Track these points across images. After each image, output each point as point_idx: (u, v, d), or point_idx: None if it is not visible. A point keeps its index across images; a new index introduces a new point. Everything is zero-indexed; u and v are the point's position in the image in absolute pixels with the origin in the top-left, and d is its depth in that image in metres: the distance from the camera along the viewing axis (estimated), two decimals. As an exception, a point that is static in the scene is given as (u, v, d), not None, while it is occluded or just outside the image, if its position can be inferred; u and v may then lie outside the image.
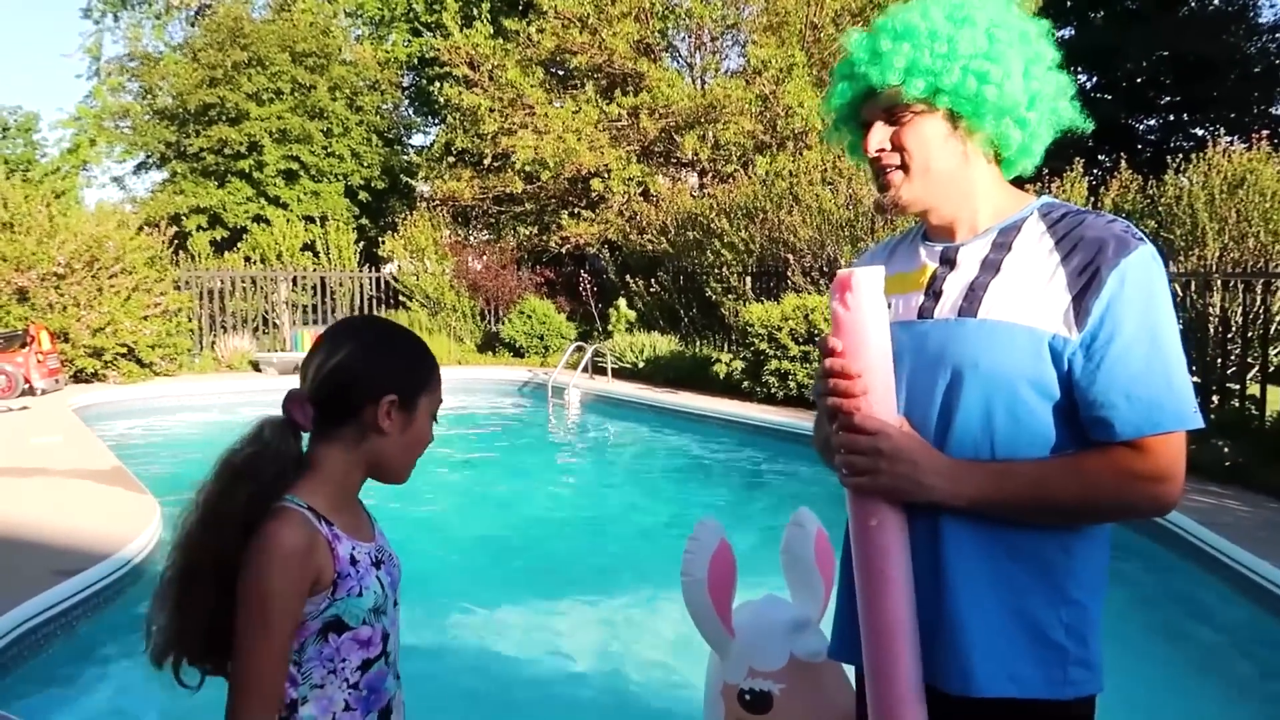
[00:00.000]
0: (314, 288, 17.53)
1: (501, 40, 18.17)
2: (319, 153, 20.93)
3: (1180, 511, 5.29)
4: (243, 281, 16.93)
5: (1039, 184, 10.62)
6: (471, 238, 20.46)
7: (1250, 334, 8.30)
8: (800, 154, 15.03)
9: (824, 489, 6.96)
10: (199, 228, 20.31)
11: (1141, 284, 1.32)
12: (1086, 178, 11.27)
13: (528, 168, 17.27)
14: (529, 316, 16.04)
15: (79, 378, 12.84)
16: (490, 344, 16.95)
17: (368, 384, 1.46)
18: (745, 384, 11.01)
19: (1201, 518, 5.35)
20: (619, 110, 16.99)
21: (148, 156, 23.94)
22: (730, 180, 15.66)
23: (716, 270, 13.88)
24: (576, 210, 17.98)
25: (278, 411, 1.46)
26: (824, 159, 13.60)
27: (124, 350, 13.11)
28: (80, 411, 10.60)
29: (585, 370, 13.26)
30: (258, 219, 20.10)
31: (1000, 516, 1.36)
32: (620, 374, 13.51)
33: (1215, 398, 8.19)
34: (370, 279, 18.13)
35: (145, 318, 13.37)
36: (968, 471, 1.35)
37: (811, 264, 12.37)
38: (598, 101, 17.30)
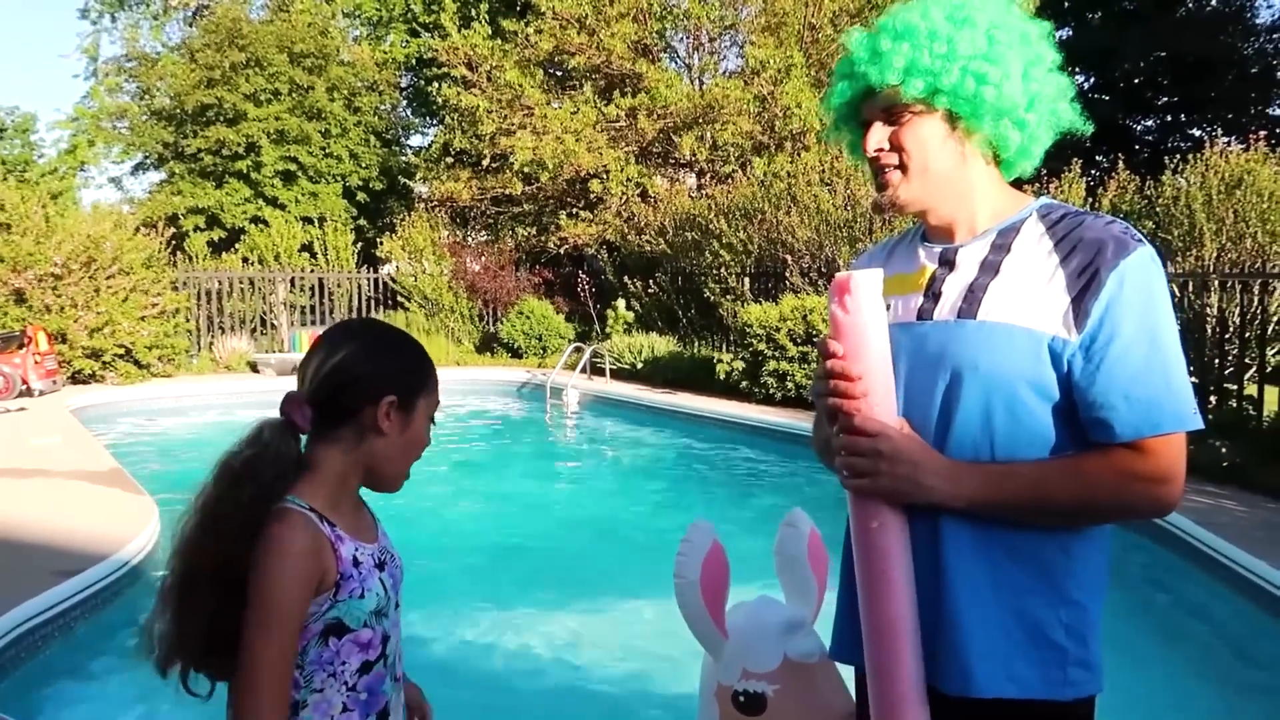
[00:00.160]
0: (312, 289, 17.53)
1: (500, 41, 18.17)
2: (317, 153, 20.93)
3: (1178, 512, 5.29)
4: (240, 282, 16.92)
5: (1037, 185, 10.63)
6: (470, 238, 20.46)
7: (1248, 334, 8.31)
8: (798, 155, 15.04)
9: (820, 490, 6.97)
10: (196, 228, 20.30)
11: (1140, 285, 1.33)
12: (1084, 178, 11.28)
13: (526, 169, 17.27)
14: (527, 317, 16.04)
15: (76, 379, 12.83)
16: (488, 345, 16.95)
17: (367, 385, 1.46)
18: (743, 385, 11.01)
19: (1199, 518, 5.35)
20: (617, 111, 16.99)
21: (145, 157, 23.95)
22: (728, 181, 15.66)
23: (715, 271, 13.88)
24: (575, 211, 17.98)
25: (276, 413, 1.46)
26: (822, 160, 13.60)
27: (121, 351, 13.10)
28: (78, 413, 10.59)
29: (583, 371, 13.26)
30: (255, 220, 20.10)
31: (1000, 517, 1.36)
32: (618, 374, 13.52)
33: (1213, 398, 8.20)
34: (368, 280, 18.12)
35: (143, 319, 13.36)
36: (968, 473, 1.35)
37: (810, 265, 12.37)
38: (596, 102, 17.31)
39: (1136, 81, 22.43)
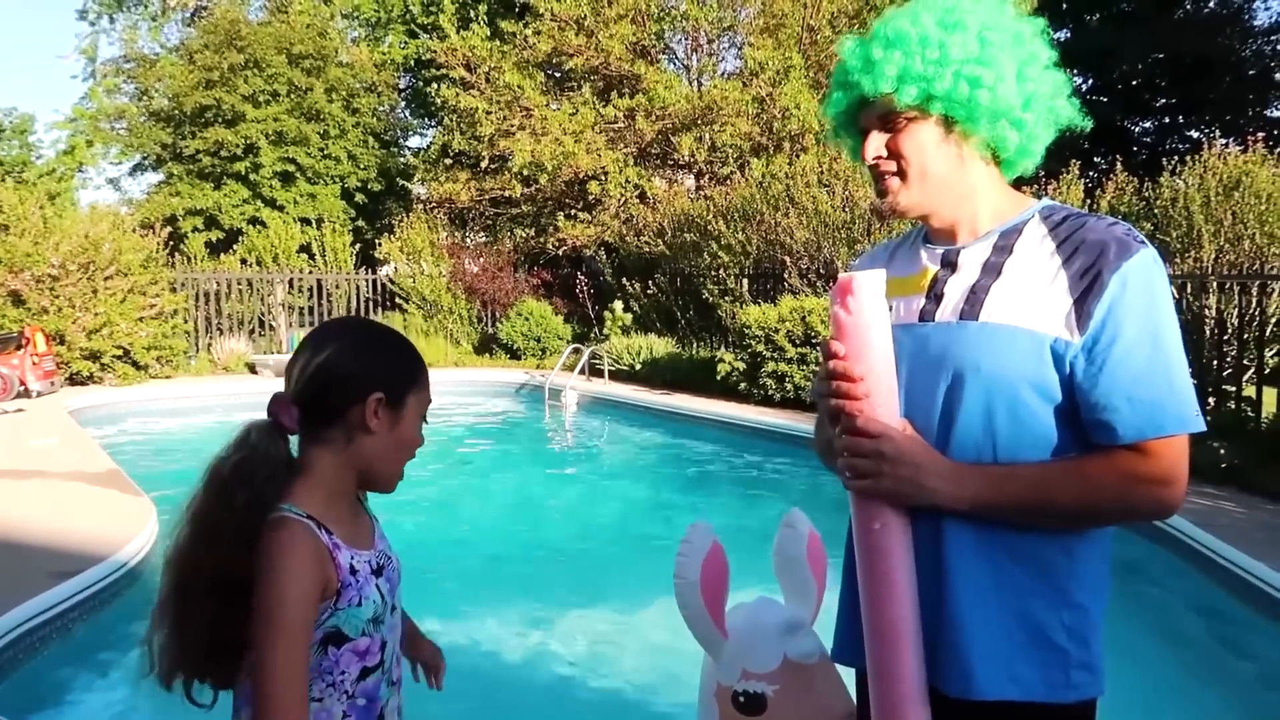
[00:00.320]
0: (310, 290, 17.52)
1: (498, 42, 18.18)
2: (315, 155, 20.93)
3: (1176, 513, 5.29)
4: (239, 283, 16.91)
5: (1035, 186, 10.65)
6: (468, 240, 20.46)
7: (1246, 336, 8.32)
8: (797, 156, 15.06)
9: (819, 491, 6.98)
10: (195, 229, 20.29)
11: (1143, 287, 1.32)
12: (1082, 180, 11.30)
13: (525, 170, 17.27)
14: (526, 318, 16.03)
15: (74, 380, 12.81)
16: (487, 346, 16.95)
17: (353, 383, 1.44)
18: (742, 386, 11.01)
19: (1197, 519, 5.35)
20: (615, 112, 17.00)
21: (143, 158, 23.94)
22: (727, 182, 15.67)
23: (713, 272, 13.88)
24: (573, 212, 17.99)
25: (265, 415, 1.44)
26: (820, 161, 13.61)
27: (120, 352, 13.08)
28: (76, 414, 10.58)
29: (582, 372, 13.26)
30: (254, 221, 20.09)
31: (1002, 519, 1.36)
32: (617, 376, 13.52)
33: (1211, 400, 8.21)
34: (367, 281, 18.11)
35: (141, 320, 13.34)
36: (970, 474, 1.35)
37: (808, 266, 12.38)
38: (594, 104, 17.31)
39: (1134, 83, 22.46)
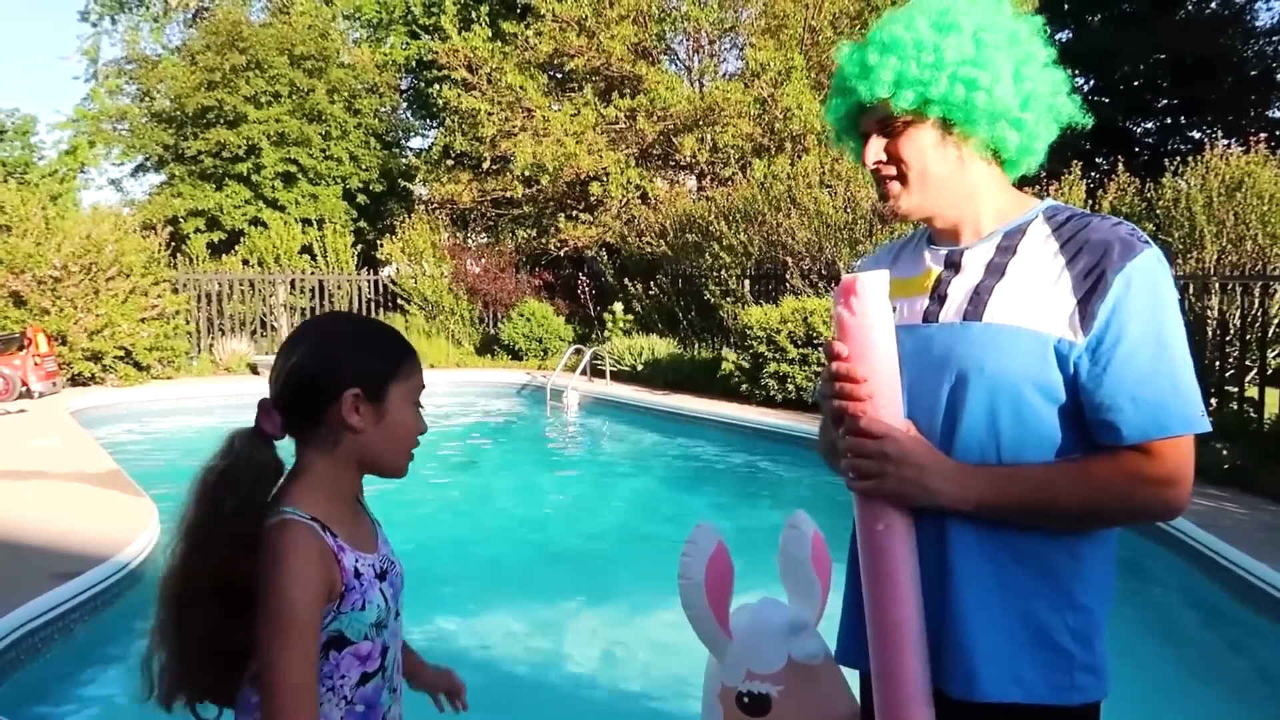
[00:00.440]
0: (312, 291, 17.52)
1: (500, 43, 18.17)
2: (317, 155, 20.92)
3: (1182, 514, 5.29)
4: (240, 284, 16.92)
5: (1036, 187, 10.64)
6: (470, 241, 20.46)
7: (1249, 337, 8.31)
8: (798, 157, 15.04)
9: (822, 491, 6.97)
10: (197, 230, 20.29)
11: (1147, 287, 1.32)
12: (1084, 180, 11.29)
13: (526, 171, 17.27)
14: (528, 319, 16.04)
15: (76, 381, 12.82)
16: (489, 346, 16.95)
17: (325, 383, 1.40)
18: (744, 386, 11.00)
19: (1200, 520, 5.35)
20: (617, 113, 17.00)
21: (145, 159, 23.92)
22: (728, 183, 15.66)
23: (715, 273, 13.88)
24: (575, 213, 17.98)
25: (248, 422, 1.43)
26: (822, 162, 13.60)
27: (121, 353, 13.08)
28: (78, 415, 10.59)
29: (584, 373, 13.26)
30: (255, 222, 20.08)
31: (1006, 520, 1.36)
32: (618, 376, 13.51)
33: (1214, 400, 8.20)
34: (368, 282, 18.12)
35: (143, 320, 13.35)
36: (974, 475, 1.35)
37: (810, 267, 12.37)
38: (596, 105, 17.31)
39: (1136, 84, 22.43)
